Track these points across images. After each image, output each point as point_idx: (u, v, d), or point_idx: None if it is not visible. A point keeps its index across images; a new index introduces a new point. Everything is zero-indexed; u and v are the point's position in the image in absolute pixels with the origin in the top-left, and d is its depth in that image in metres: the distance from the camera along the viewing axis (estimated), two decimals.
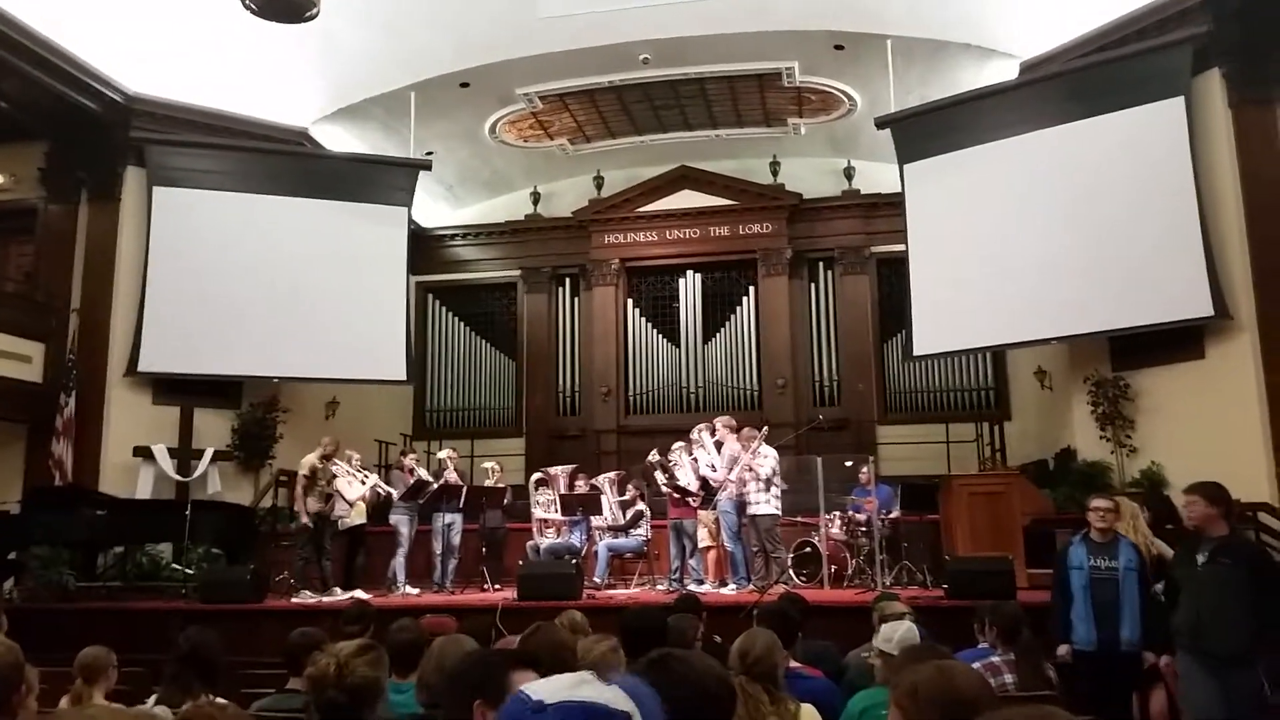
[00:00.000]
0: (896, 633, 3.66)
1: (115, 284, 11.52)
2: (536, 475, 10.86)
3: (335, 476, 9.58)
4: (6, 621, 3.88)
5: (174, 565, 10.11)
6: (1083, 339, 10.45)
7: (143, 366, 11.40)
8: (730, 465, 9.05)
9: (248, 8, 8.22)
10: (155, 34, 10.73)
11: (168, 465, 11.29)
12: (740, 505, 8.97)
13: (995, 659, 4.28)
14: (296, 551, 9.55)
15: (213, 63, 11.29)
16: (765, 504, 8.86)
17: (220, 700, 3.19)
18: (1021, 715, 1.54)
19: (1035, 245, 10.39)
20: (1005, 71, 11.23)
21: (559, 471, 10.66)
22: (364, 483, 9.78)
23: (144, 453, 11.23)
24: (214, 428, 11.85)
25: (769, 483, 8.89)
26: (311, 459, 9.56)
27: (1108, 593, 5.15)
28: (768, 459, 8.95)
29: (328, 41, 11.02)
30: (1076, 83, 10.38)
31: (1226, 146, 9.61)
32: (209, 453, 11.57)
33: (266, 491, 11.99)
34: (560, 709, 1.48)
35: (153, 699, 3.76)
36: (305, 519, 9.42)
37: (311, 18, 8.55)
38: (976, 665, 4.14)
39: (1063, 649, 5.27)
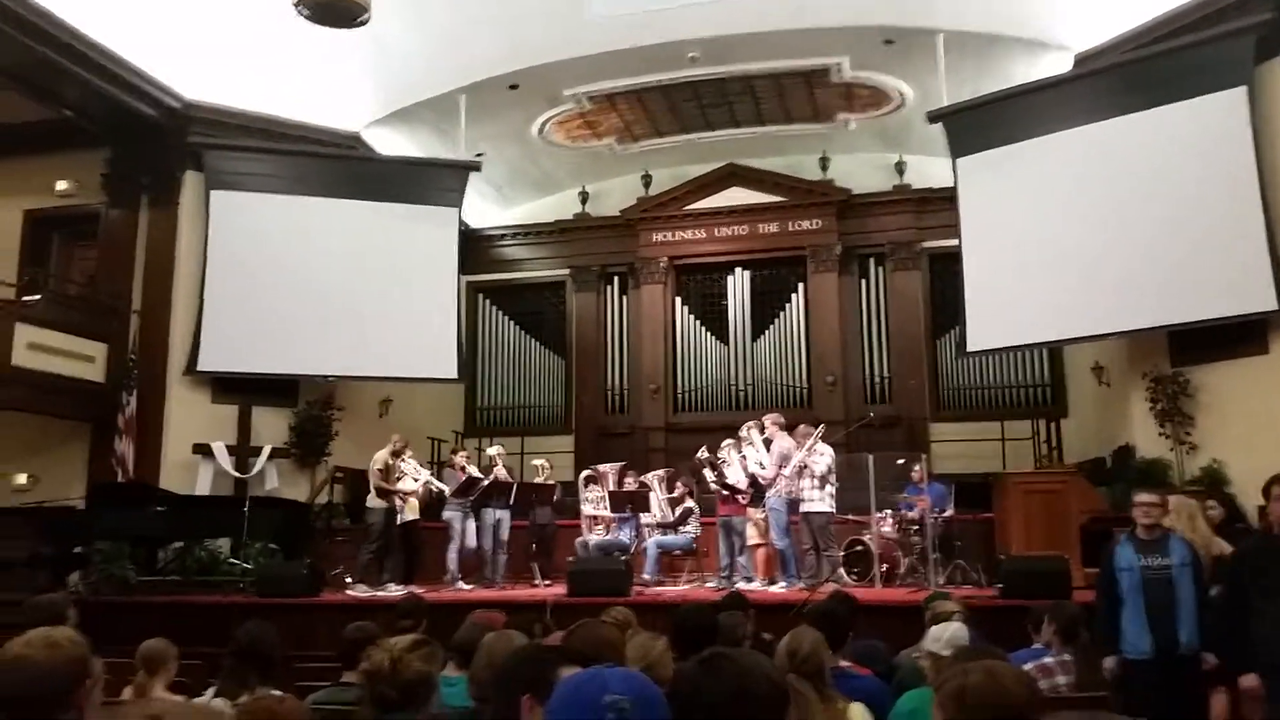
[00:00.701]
0: (945, 633, 3.64)
1: (175, 286, 11.79)
2: (586, 473, 10.92)
3: (403, 474, 9.77)
4: (75, 614, 3.99)
5: (232, 560, 10.31)
6: (1141, 334, 10.23)
7: (202, 366, 11.65)
8: (779, 463, 9.02)
9: (301, 13, 8.37)
10: (210, 41, 10.96)
11: (226, 462, 11.52)
12: (792, 502, 8.94)
13: (1049, 660, 4.22)
14: (364, 545, 9.69)
15: (267, 68, 11.50)
16: (820, 501, 8.84)
17: (277, 693, 3.26)
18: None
19: (1092, 239, 10.20)
20: (1060, 64, 11.03)
21: (608, 469, 10.72)
22: (416, 479, 9.92)
23: (203, 450, 11.48)
24: (271, 425, 12.07)
25: (824, 480, 8.87)
26: (384, 455, 9.79)
27: (1162, 594, 4.75)
28: (824, 456, 8.92)
29: (379, 46, 11.17)
30: (1133, 74, 10.16)
31: None
32: (266, 450, 11.78)
33: (322, 488, 12.19)
34: (626, 670, 1.68)
35: (211, 691, 3.85)
36: (408, 512, 9.77)
37: (363, 23, 8.68)
38: (1030, 666, 4.11)
39: (1110, 661, 4.87)
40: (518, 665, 2.21)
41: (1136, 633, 4.77)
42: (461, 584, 9.62)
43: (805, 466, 8.88)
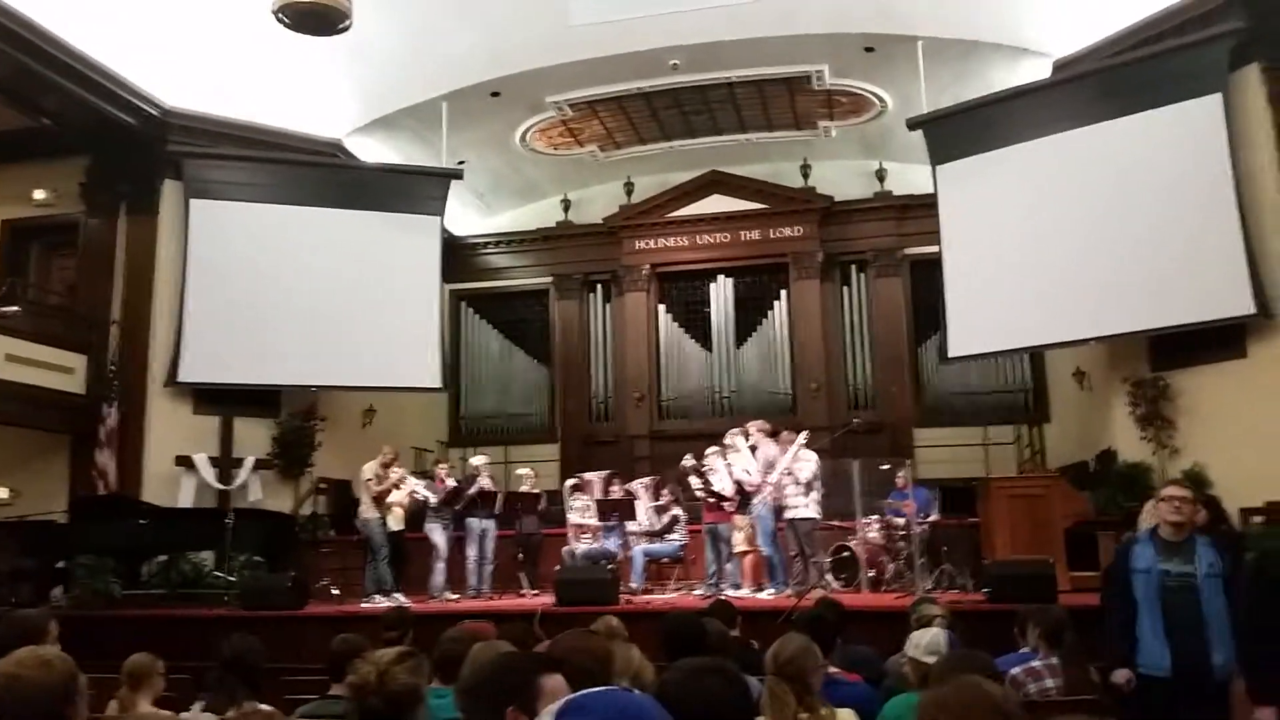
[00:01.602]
0: (924, 639, 3.66)
1: (155, 296, 11.68)
2: (571, 481, 10.90)
3: (396, 485, 9.78)
4: (57, 628, 3.95)
5: (216, 573, 10.22)
6: (1122, 339, 10.31)
7: (183, 377, 11.55)
8: (765, 469, 9.03)
9: (281, 21, 8.34)
10: (191, 49, 10.90)
11: (209, 474, 11.42)
12: (777, 509, 8.94)
13: (1036, 664, 4.23)
14: (373, 560, 9.61)
15: (248, 76, 11.45)
16: (804, 508, 8.85)
17: (264, 707, 3.24)
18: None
19: (1072, 245, 10.27)
20: (1038, 71, 11.12)
21: (594, 477, 10.68)
22: (398, 487, 9.87)
23: (185, 462, 11.38)
24: (254, 436, 11.97)
25: (809, 486, 8.87)
26: (374, 466, 9.76)
27: (1185, 606, 4.19)
28: (808, 463, 8.93)
29: (360, 53, 11.14)
30: (1111, 81, 10.25)
31: (1266, 141, 9.42)
32: (249, 461, 11.68)
33: (306, 499, 12.12)
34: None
35: (197, 705, 3.81)
36: (392, 522, 9.70)
37: (344, 30, 8.66)
38: (1017, 670, 4.13)
39: (1121, 674, 4.31)
40: (500, 675, 2.19)
41: (1154, 646, 4.24)
42: (448, 595, 9.58)
43: (789, 473, 8.89)
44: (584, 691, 1.84)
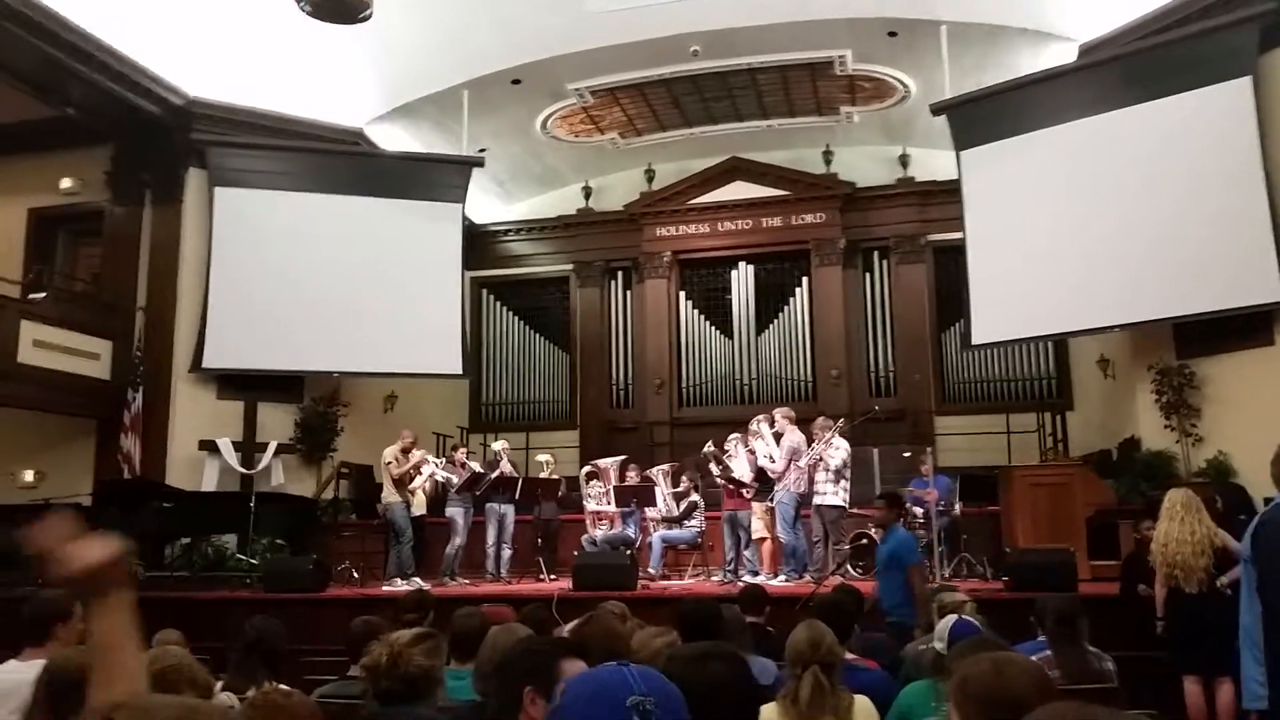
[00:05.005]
0: (949, 627, 3.65)
1: (179, 283, 11.79)
2: (586, 469, 10.95)
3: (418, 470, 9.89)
4: (81, 609, 3.99)
5: (239, 556, 10.34)
6: (1147, 326, 10.20)
7: (207, 363, 11.66)
8: (790, 457, 9.02)
9: (303, 9, 8.36)
10: (214, 38, 10.96)
11: (232, 458, 11.54)
12: (801, 496, 8.94)
13: (1051, 652, 4.21)
14: (398, 543, 9.69)
15: (270, 65, 11.50)
16: (833, 495, 8.85)
17: (284, 687, 3.27)
18: (1060, 711, 1.50)
19: (1097, 231, 10.16)
20: (1063, 55, 10.98)
21: (608, 464, 10.70)
22: (419, 471, 9.94)
23: (209, 446, 11.50)
24: (277, 421, 12.08)
25: (839, 475, 8.86)
26: (394, 450, 9.85)
27: None
28: (840, 451, 8.93)
29: (382, 42, 11.16)
30: (1137, 65, 10.11)
31: None
32: (272, 446, 11.80)
33: (328, 483, 12.21)
34: (644, 668, 1.65)
35: (218, 685, 3.86)
36: (412, 506, 9.86)
37: (365, 19, 8.66)
38: (1035, 659, 4.10)
39: None
40: (519, 657, 2.21)
41: None
42: (461, 579, 9.63)
43: (820, 460, 8.88)
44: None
